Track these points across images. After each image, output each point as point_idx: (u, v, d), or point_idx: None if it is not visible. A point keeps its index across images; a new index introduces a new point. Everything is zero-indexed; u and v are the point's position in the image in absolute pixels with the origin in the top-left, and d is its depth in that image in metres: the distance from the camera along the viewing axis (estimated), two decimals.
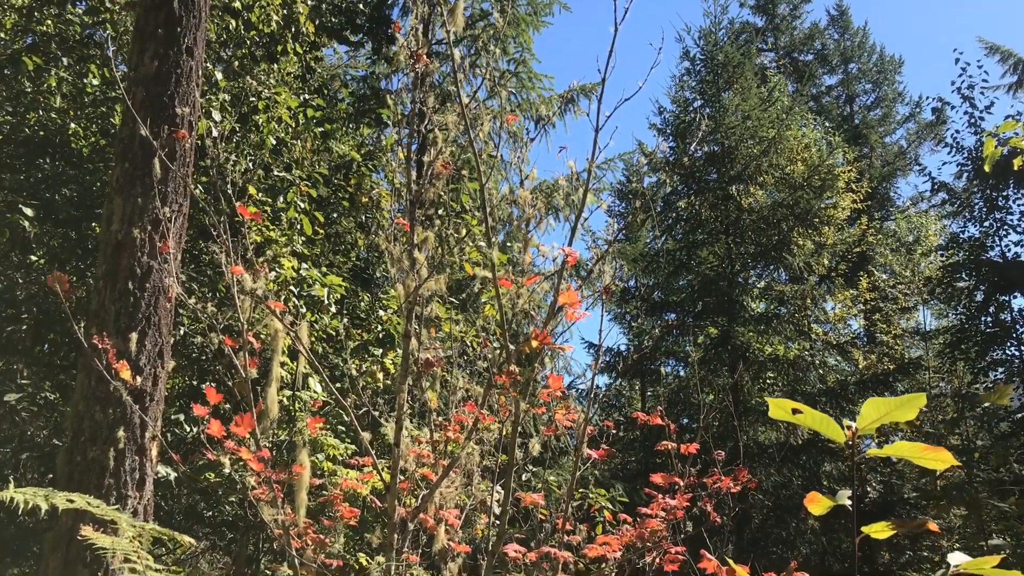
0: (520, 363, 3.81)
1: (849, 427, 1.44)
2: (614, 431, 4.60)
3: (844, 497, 1.49)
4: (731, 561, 1.64)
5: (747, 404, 15.29)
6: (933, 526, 1.43)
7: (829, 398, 14.59)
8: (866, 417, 1.40)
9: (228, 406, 4.58)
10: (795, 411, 1.43)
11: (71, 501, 2.36)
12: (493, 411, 4.15)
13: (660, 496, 3.93)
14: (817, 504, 1.54)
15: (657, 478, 4.01)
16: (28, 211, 6.94)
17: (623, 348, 19.93)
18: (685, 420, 15.10)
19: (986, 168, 5.00)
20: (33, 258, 7.70)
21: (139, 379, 4.48)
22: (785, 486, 15.17)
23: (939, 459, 1.41)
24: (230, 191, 4.10)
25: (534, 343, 3.56)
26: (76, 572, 4.35)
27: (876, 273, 18.45)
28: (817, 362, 15.55)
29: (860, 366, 16.65)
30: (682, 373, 18.12)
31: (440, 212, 8.41)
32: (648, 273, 17.91)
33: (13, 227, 7.22)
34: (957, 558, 1.49)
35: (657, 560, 3.97)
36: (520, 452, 4.60)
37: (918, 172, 15.75)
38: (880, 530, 1.47)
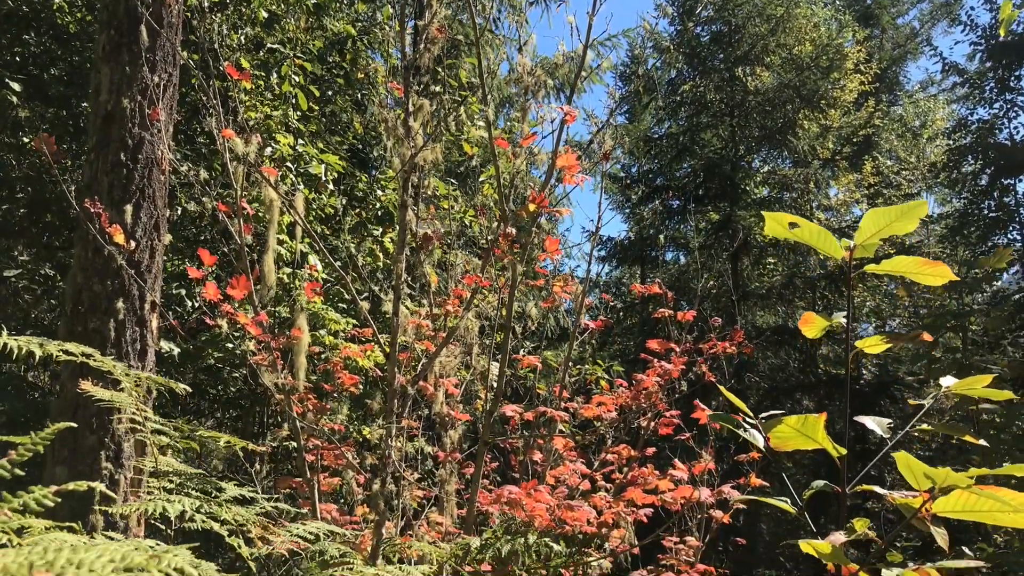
0: (518, 230, 3.77)
1: (848, 246, 1.41)
2: (612, 304, 4.61)
3: (839, 317, 1.48)
4: (725, 390, 1.64)
5: (747, 288, 15.38)
6: (927, 336, 1.41)
7: (829, 282, 14.67)
8: (865, 230, 1.37)
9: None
10: (792, 225, 1.39)
11: (66, 352, 2.36)
12: (492, 286, 4.14)
13: (656, 361, 3.95)
14: (811, 325, 1.53)
15: (653, 344, 4.02)
16: (15, 86, 6.78)
17: (623, 237, 19.88)
18: (684, 304, 15.19)
19: (1001, 32, 4.85)
20: (26, 140, 7.58)
21: (135, 247, 4.46)
22: (782, 369, 15.43)
23: (938, 274, 1.39)
24: (221, 60, 3.97)
25: (531, 206, 3.51)
26: (84, 438, 4.43)
27: (881, 158, 18.20)
28: None
29: None
30: (683, 260, 18.14)
31: (437, 88, 8.21)
32: (650, 157, 17.70)
33: (2, 105, 7.06)
34: (948, 380, 1.49)
35: (651, 424, 4.03)
36: (518, 326, 4.61)
37: (929, 55, 15.31)
38: (874, 344, 1.46)
